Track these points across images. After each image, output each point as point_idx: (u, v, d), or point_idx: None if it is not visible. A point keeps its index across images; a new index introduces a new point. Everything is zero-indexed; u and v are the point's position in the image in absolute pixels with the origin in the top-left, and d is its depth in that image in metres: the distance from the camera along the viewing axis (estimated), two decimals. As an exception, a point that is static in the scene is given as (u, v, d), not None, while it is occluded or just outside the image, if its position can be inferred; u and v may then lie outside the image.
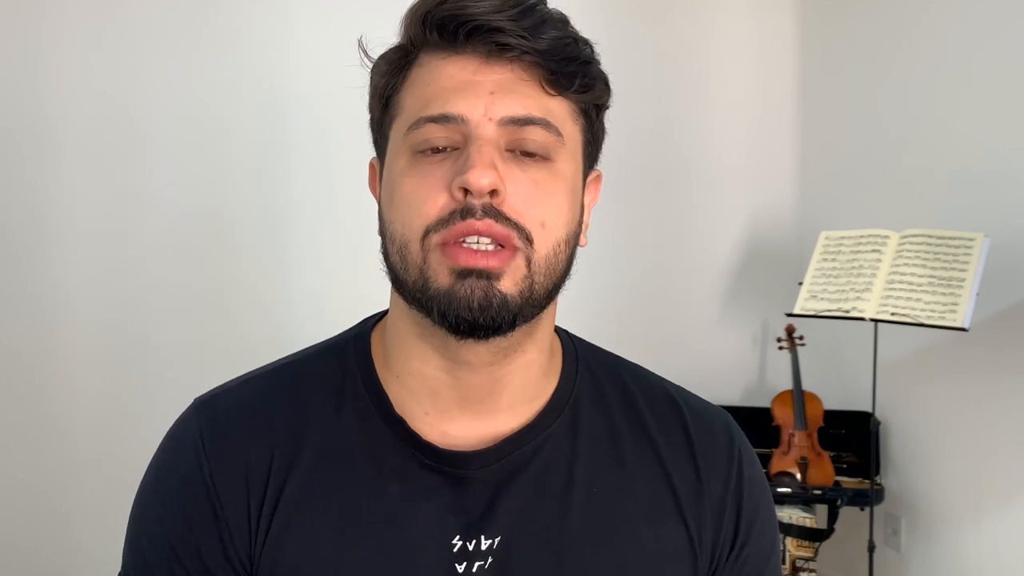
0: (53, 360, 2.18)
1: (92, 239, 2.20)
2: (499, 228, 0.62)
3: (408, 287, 0.65)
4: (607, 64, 0.70)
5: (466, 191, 0.61)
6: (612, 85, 0.70)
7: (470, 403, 0.70)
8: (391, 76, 0.67)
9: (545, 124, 0.64)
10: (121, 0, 2.20)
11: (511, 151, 0.64)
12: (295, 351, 0.77)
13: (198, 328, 2.27)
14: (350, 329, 0.77)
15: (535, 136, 0.64)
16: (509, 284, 0.63)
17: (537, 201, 0.64)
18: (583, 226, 0.71)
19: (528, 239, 0.63)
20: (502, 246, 0.62)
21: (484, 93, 0.63)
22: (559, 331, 0.78)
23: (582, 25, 0.71)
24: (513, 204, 0.63)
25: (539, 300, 0.66)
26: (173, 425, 0.73)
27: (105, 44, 2.19)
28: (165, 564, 0.68)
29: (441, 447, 0.69)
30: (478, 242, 0.62)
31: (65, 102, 2.16)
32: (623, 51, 2.64)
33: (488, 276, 0.62)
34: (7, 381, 2.14)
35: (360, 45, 0.71)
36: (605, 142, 0.74)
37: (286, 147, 2.36)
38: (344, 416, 0.70)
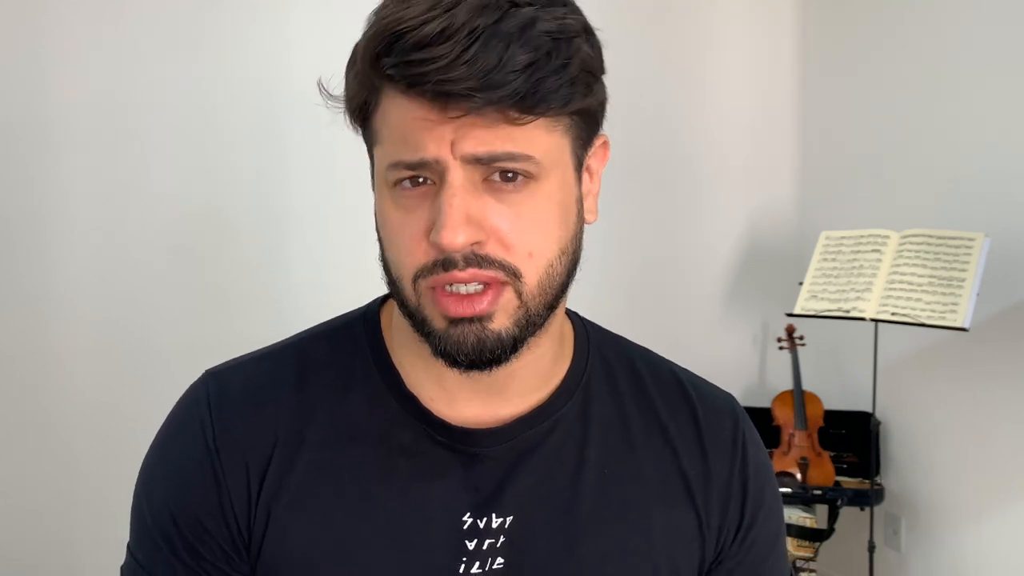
0: (52, 359, 2.17)
1: (92, 238, 2.19)
2: (484, 273, 0.61)
3: (406, 311, 0.66)
4: (607, 64, 0.67)
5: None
6: (612, 86, 0.67)
7: (479, 392, 0.70)
8: (366, 92, 0.63)
9: (510, 157, 0.60)
10: (121, 0, 2.20)
11: (488, 179, 0.61)
12: (303, 330, 0.77)
13: (198, 327, 2.27)
14: (357, 309, 0.77)
15: (507, 166, 0.61)
16: (502, 320, 0.63)
17: (523, 233, 0.61)
18: (594, 199, 0.69)
19: (516, 274, 0.62)
20: (488, 285, 0.62)
21: (448, 133, 0.59)
22: (571, 314, 0.77)
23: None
24: (497, 243, 0.61)
25: (538, 319, 0.65)
26: (182, 395, 0.73)
27: (105, 44, 2.19)
28: (165, 530, 0.68)
29: (453, 424, 0.70)
30: (465, 287, 0.61)
31: (65, 102, 2.16)
32: (623, 51, 2.63)
33: (480, 319, 0.62)
34: (6, 381, 2.14)
35: (320, 86, 0.69)
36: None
37: (285, 146, 2.36)
38: (354, 394, 0.71)
